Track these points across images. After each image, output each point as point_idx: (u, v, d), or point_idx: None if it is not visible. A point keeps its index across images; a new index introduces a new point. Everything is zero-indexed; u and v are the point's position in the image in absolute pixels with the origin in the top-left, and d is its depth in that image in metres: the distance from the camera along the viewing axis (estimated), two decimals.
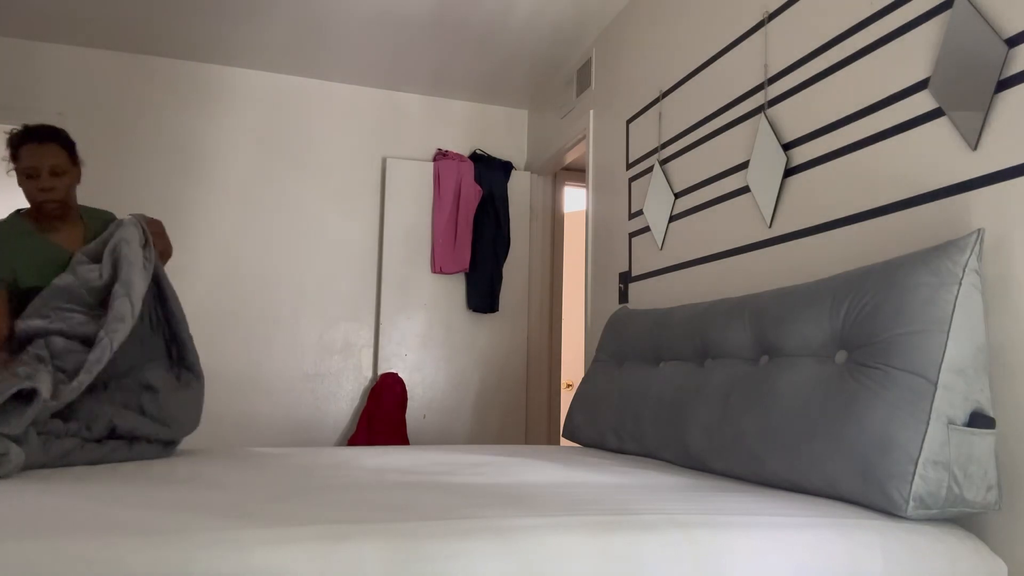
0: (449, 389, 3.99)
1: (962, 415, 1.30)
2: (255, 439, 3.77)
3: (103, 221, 2.31)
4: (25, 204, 2.29)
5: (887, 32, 1.73)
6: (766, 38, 2.19)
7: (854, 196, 1.80)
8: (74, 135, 3.57)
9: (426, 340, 3.98)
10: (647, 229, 2.84)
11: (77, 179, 2.25)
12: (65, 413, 1.75)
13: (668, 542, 1.10)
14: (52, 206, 2.16)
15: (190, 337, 2.16)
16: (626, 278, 3.01)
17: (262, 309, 3.82)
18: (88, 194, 3.61)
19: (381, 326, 3.92)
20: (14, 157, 2.16)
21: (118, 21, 3.41)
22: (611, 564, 1.06)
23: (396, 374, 3.88)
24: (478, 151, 4.23)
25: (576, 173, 4.32)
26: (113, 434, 1.82)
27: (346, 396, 3.93)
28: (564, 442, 4.23)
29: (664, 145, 2.75)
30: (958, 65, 1.52)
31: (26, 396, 1.58)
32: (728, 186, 2.34)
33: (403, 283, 3.98)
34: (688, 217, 2.56)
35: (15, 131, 2.18)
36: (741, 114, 2.29)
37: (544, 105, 4.12)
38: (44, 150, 2.13)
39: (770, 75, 2.15)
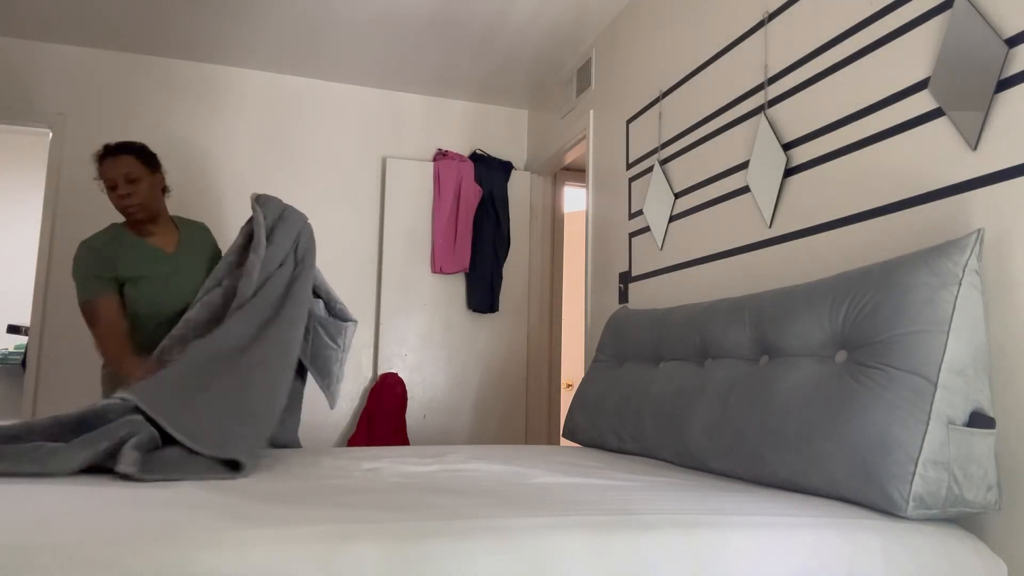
0: (449, 389, 3.99)
1: (962, 415, 1.30)
2: None
3: (198, 229, 2.54)
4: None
5: (887, 32, 1.73)
6: (766, 38, 2.19)
7: (854, 196, 1.80)
8: (74, 135, 3.61)
9: (426, 340, 3.98)
10: (647, 229, 2.84)
11: (158, 184, 2.43)
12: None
13: (668, 542, 1.10)
14: (134, 209, 2.34)
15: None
16: (626, 278, 3.00)
17: None
18: (89, 194, 3.62)
19: (381, 326, 3.92)
20: (100, 175, 2.36)
21: (118, 21, 3.41)
22: (611, 564, 1.06)
23: (396, 374, 3.88)
24: (478, 151, 4.23)
25: (576, 173, 4.32)
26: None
27: (346, 396, 3.93)
28: (564, 442, 4.23)
29: (664, 145, 2.75)
30: (958, 65, 1.52)
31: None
32: (728, 186, 2.34)
33: (403, 283, 3.98)
34: (688, 217, 2.56)
35: (98, 151, 2.38)
36: (741, 114, 2.29)
37: (544, 105, 4.12)
38: (118, 162, 2.32)
39: (770, 75, 2.15)
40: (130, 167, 2.32)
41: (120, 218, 2.65)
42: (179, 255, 2.45)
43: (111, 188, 2.33)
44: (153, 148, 3.70)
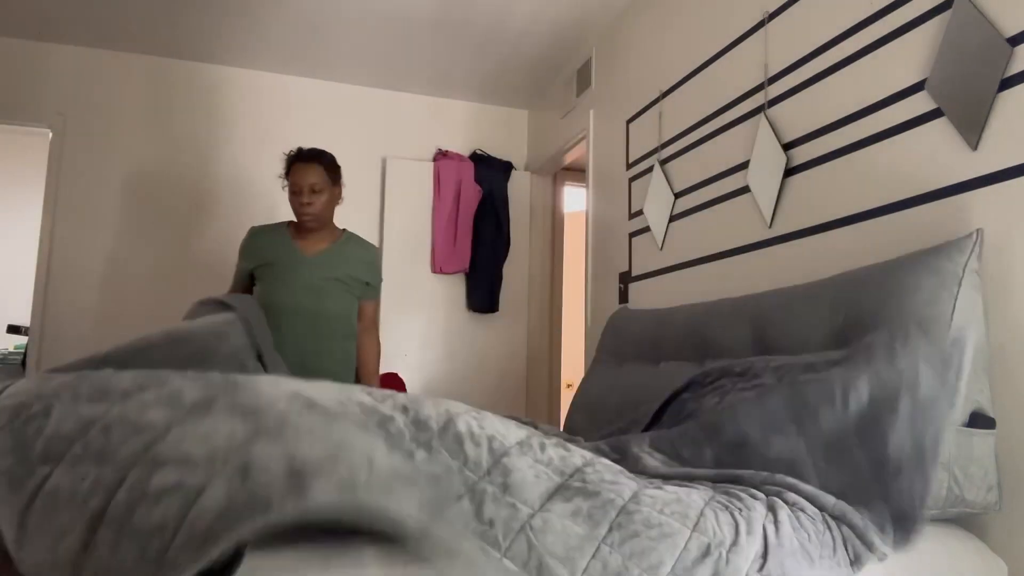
0: (449, 389, 3.99)
1: (962, 415, 1.30)
2: None
3: (357, 246, 2.61)
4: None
5: (887, 32, 1.73)
6: (766, 38, 2.19)
7: (854, 196, 1.80)
8: (74, 135, 3.60)
9: (426, 340, 3.98)
10: (647, 229, 2.84)
11: (336, 198, 2.55)
12: None
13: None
14: (308, 219, 2.49)
15: None
16: (626, 278, 3.00)
17: None
18: (88, 194, 3.62)
19: (381, 326, 3.91)
20: (287, 174, 2.51)
21: (118, 21, 3.41)
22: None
23: (396, 374, 3.88)
24: (478, 151, 4.23)
25: (576, 173, 4.32)
26: None
27: None
28: None
29: (664, 145, 2.75)
30: (958, 65, 1.52)
31: None
32: (728, 186, 2.34)
33: (403, 283, 3.97)
34: (688, 217, 2.56)
35: (290, 152, 2.54)
36: (741, 114, 2.29)
37: (544, 105, 4.12)
38: (307, 170, 2.46)
39: (770, 75, 2.15)
40: (317, 178, 2.46)
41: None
42: (315, 259, 2.52)
43: (295, 192, 2.47)
44: (152, 148, 3.76)
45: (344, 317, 2.57)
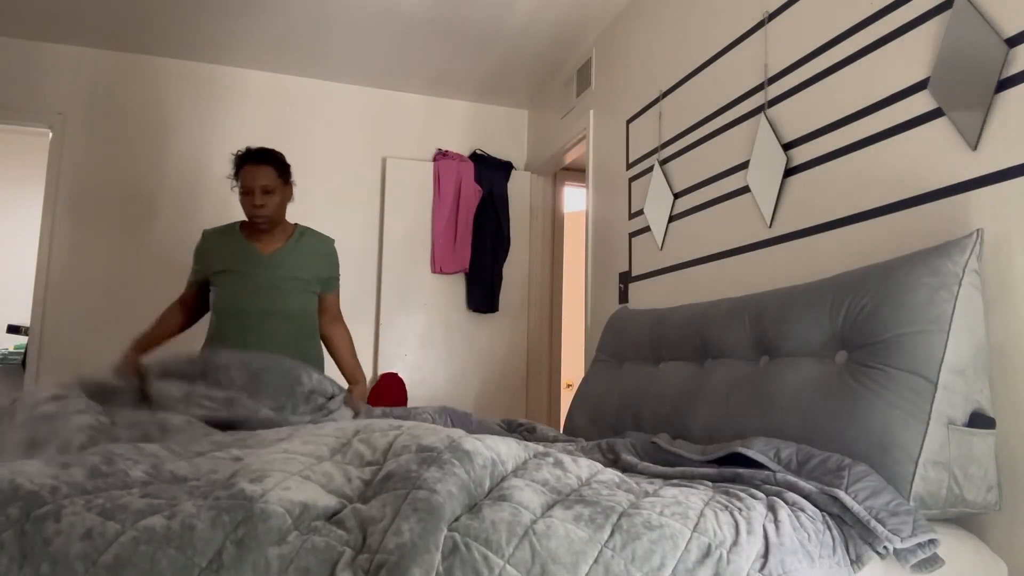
0: (449, 389, 3.99)
1: (962, 415, 1.30)
2: None
3: (313, 240, 2.59)
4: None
5: (887, 32, 1.73)
6: (766, 38, 2.19)
7: (854, 196, 1.80)
8: (74, 135, 3.61)
9: (426, 340, 3.98)
10: (647, 229, 2.84)
11: (287, 196, 2.52)
12: None
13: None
14: (261, 220, 2.45)
15: None
16: (626, 278, 3.00)
17: None
18: (88, 193, 3.62)
19: (381, 326, 3.92)
20: (236, 175, 2.47)
21: (118, 21, 3.41)
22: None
23: (396, 374, 3.88)
24: (478, 151, 4.23)
25: (576, 173, 4.32)
26: None
27: None
28: None
29: (664, 145, 2.75)
30: (958, 65, 1.52)
31: None
32: (728, 186, 2.34)
33: (403, 283, 3.97)
34: (688, 217, 2.56)
35: (239, 152, 2.49)
36: (741, 114, 2.29)
37: (544, 105, 4.12)
38: (258, 171, 2.42)
39: (770, 75, 2.15)
40: (268, 179, 2.41)
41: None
42: (273, 257, 2.50)
43: (246, 194, 2.43)
44: (152, 148, 3.76)
45: (306, 315, 2.55)
